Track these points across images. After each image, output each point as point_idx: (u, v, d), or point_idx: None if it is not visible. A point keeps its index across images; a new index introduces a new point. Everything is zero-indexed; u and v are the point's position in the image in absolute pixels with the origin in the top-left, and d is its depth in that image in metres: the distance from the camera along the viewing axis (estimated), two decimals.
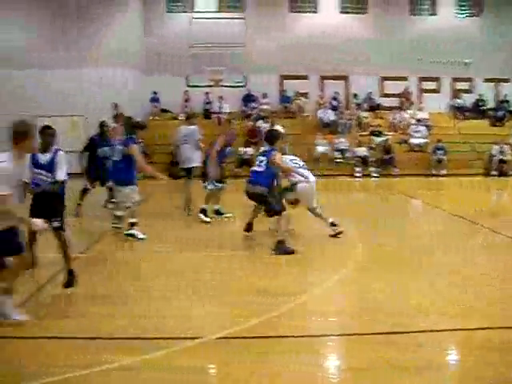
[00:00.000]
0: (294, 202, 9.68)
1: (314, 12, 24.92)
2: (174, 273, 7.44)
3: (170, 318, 5.58)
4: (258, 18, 24.05)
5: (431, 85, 25.29)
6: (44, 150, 6.41)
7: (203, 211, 10.91)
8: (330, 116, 23.35)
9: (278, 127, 11.87)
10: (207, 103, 23.75)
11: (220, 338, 5.05)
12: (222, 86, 21.62)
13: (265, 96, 24.12)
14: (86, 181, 11.82)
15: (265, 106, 23.36)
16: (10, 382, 4.26)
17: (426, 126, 22.81)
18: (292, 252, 8.34)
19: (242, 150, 20.07)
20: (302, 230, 9.74)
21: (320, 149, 21.35)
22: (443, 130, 22.64)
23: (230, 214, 11.31)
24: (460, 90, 25.14)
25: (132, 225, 9.29)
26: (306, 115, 23.87)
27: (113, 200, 11.83)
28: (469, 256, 8.35)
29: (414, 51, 23.82)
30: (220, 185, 11.08)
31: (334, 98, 24.40)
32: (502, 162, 21.01)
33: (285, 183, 9.53)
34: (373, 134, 22.02)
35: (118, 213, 9.90)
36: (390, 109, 24.17)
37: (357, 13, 25.04)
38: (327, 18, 24.70)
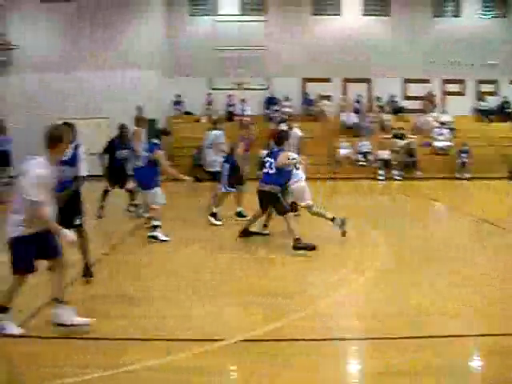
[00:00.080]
0: (294, 209, 9.77)
1: (337, 15, 24.80)
2: (196, 274, 7.48)
3: (191, 320, 5.63)
4: (280, 20, 24.07)
5: (455, 87, 25.00)
6: None
7: (213, 214, 10.97)
8: (352, 119, 23.27)
9: (296, 130, 11.88)
10: (230, 106, 23.80)
11: (242, 340, 5.07)
12: (245, 88, 21.67)
13: (287, 99, 24.10)
14: (107, 182, 12.01)
15: (287, 109, 23.32)
16: (30, 382, 4.31)
17: (450, 129, 22.61)
18: (314, 247, 8.44)
19: (264, 152, 20.00)
20: (322, 231, 9.71)
21: (343, 151, 21.32)
22: (467, 133, 22.39)
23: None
24: (485, 93, 24.82)
25: (155, 227, 9.39)
26: (329, 118, 23.77)
27: (133, 203, 12.02)
28: (493, 260, 8.27)
29: (438, 53, 23.65)
30: (233, 189, 11.13)
31: (357, 101, 24.29)
32: None
33: None
34: (396, 136, 21.87)
35: (147, 215, 10.02)
36: (414, 111, 23.99)
37: (380, 15, 24.87)
38: (350, 20, 24.58)
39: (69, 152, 6.45)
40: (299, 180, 9.54)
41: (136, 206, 12.04)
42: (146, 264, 8.09)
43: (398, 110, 24.22)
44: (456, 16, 25.07)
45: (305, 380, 4.40)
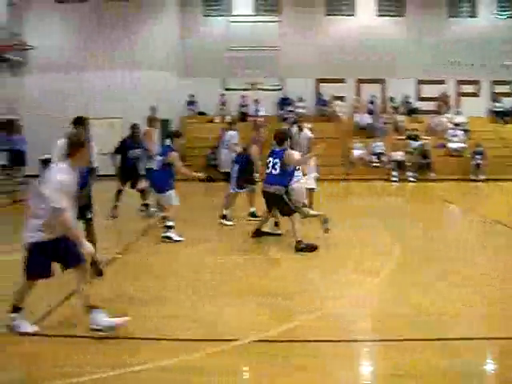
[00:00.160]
0: None
1: (351, 15, 24.77)
2: (207, 275, 7.49)
3: (203, 320, 5.62)
4: (294, 21, 24.07)
5: (470, 88, 24.86)
6: None
7: (224, 217, 10.99)
8: (366, 120, 23.21)
9: (306, 131, 11.88)
10: (243, 106, 23.83)
11: (255, 341, 5.07)
12: (259, 89, 21.67)
13: (301, 99, 24.09)
14: (119, 182, 12.10)
15: (300, 110, 23.30)
16: (43, 380, 4.34)
17: (464, 131, 22.48)
18: (315, 247, 8.52)
19: None
20: (335, 233, 9.70)
21: (356, 152, 21.27)
22: (482, 135, 22.24)
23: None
24: (499, 94, 24.65)
25: (169, 228, 9.42)
26: (342, 119, 23.71)
27: (144, 203, 12.08)
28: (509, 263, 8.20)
29: (453, 54, 23.54)
30: (242, 189, 11.15)
31: (371, 102, 24.23)
32: None
33: None
34: (409, 138, 21.77)
35: (161, 214, 10.08)
36: (428, 113, 23.88)
37: (394, 15, 24.81)
38: (364, 20, 24.53)
39: None
40: (298, 181, 9.52)
41: (147, 205, 12.11)
42: (159, 264, 8.12)
43: (411, 111, 24.12)
44: (471, 16, 24.93)
45: (317, 381, 4.39)
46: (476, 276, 7.29)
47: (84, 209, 6.72)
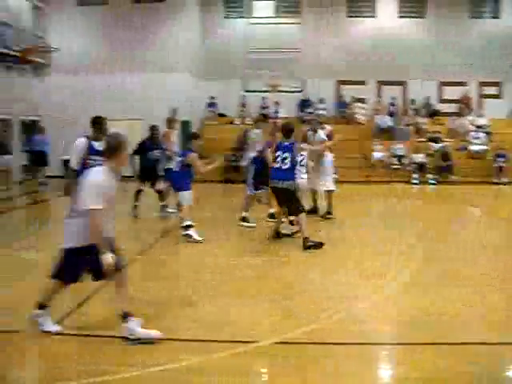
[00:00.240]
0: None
1: (372, 16, 24.69)
2: (228, 277, 7.52)
3: (227, 322, 5.65)
4: (315, 22, 24.04)
5: (492, 90, 24.60)
6: (96, 138, 7.19)
7: (244, 219, 11.02)
8: (386, 122, 23.08)
9: (321, 132, 11.88)
10: (263, 108, 23.81)
11: (276, 342, 5.08)
12: (279, 91, 21.64)
13: (321, 101, 24.04)
14: (139, 182, 12.19)
15: (321, 112, 23.23)
16: (71, 379, 4.39)
17: (486, 133, 22.22)
18: (321, 244, 8.60)
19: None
20: (355, 235, 9.68)
21: (377, 155, 21.16)
22: (504, 137, 21.92)
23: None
24: None
25: (188, 227, 9.50)
26: (361, 120, 23.59)
27: (163, 204, 12.15)
28: None
29: (475, 55, 23.31)
30: (259, 191, 11.16)
31: (392, 104, 24.09)
32: None
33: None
34: (431, 140, 21.60)
35: (180, 214, 10.15)
36: (449, 114, 23.63)
37: (415, 17, 24.66)
38: (385, 22, 24.43)
39: (102, 143, 6.69)
40: (302, 177, 9.58)
41: (166, 206, 12.19)
42: (175, 264, 8.22)
43: (433, 113, 23.93)
44: (494, 17, 24.65)
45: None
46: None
47: None
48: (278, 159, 8.99)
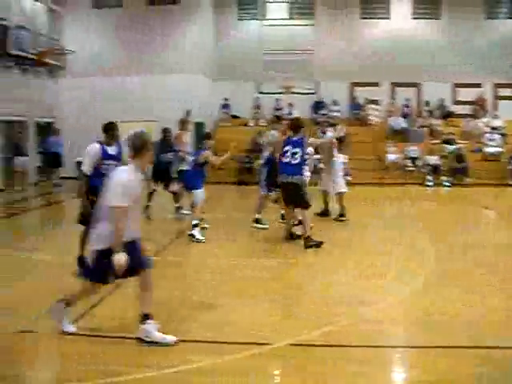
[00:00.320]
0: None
1: (386, 18, 24.61)
2: (241, 279, 7.54)
3: (239, 324, 5.66)
4: (328, 24, 24.05)
5: (507, 91, 24.37)
6: (109, 143, 7.41)
7: (257, 221, 11.04)
8: (400, 123, 22.98)
9: (330, 134, 11.89)
10: (277, 109, 23.81)
11: (291, 344, 5.09)
12: (293, 92, 21.64)
13: (335, 103, 24.00)
14: (152, 183, 12.27)
15: (335, 114, 23.18)
16: (83, 379, 4.42)
17: (502, 135, 22.04)
18: (321, 243, 8.67)
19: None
20: (367, 237, 9.67)
21: (391, 157, 21.07)
22: None
23: None
24: None
25: (195, 226, 9.58)
26: (374, 122, 23.51)
27: (178, 205, 12.20)
28: None
29: (489, 57, 23.15)
30: (272, 191, 11.16)
31: (406, 106, 23.98)
32: None
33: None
34: (445, 142, 21.49)
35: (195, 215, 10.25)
36: (464, 116, 23.45)
37: (429, 18, 24.54)
38: (399, 23, 24.34)
39: (115, 148, 7.43)
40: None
41: (180, 208, 12.24)
42: (187, 266, 8.23)
43: (447, 115, 23.78)
44: (510, 18, 24.43)
45: None
46: None
47: None
48: (288, 154, 8.98)
